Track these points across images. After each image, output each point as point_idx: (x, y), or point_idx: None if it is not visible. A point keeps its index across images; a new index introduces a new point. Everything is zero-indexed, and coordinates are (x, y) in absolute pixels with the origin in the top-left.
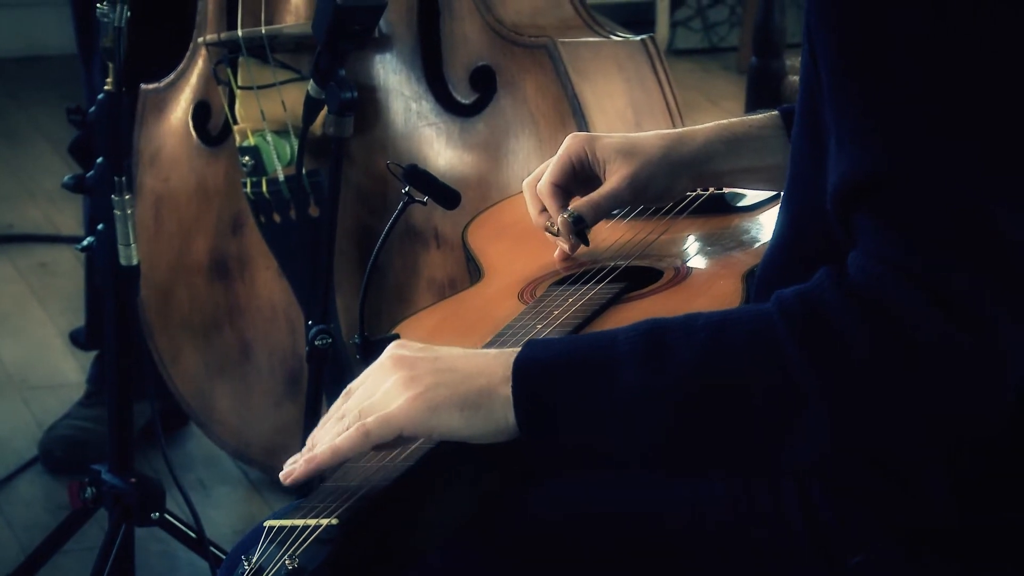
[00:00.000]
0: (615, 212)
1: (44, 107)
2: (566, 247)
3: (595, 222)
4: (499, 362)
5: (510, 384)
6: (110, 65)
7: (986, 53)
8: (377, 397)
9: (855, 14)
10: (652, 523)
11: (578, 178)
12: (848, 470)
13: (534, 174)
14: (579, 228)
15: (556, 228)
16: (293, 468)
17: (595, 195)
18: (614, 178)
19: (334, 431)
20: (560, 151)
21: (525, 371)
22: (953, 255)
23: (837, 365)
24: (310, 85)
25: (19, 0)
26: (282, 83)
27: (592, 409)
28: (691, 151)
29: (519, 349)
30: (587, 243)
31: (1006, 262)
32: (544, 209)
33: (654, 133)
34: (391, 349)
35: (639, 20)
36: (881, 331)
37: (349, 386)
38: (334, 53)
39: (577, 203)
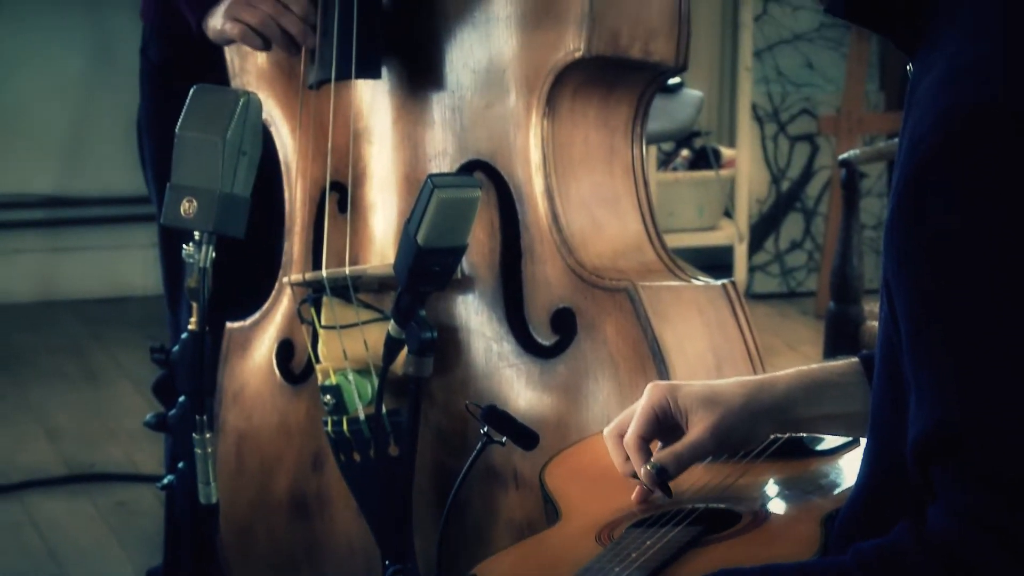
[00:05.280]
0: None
1: (127, 347)
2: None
3: (678, 473)
4: None
5: None
6: (194, 305)
7: None
8: None
9: (930, 265)
10: None
11: (661, 427)
12: None
13: (615, 423)
14: (662, 480)
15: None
16: None
17: (678, 446)
18: (696, 428)
19: None
20: (643, 401)
21: None
22: None
23: None
24: (391, 325)
25: (104, 243)
26: (365, 323)
27: None
28: (772, 399)
29: None
30: (670, 494)
31: None
32: (628, 459)
33: (735, 381)
34: None
35: (717, 265)
36: None
37: None
38: (415, 294)
39: (660, 454)
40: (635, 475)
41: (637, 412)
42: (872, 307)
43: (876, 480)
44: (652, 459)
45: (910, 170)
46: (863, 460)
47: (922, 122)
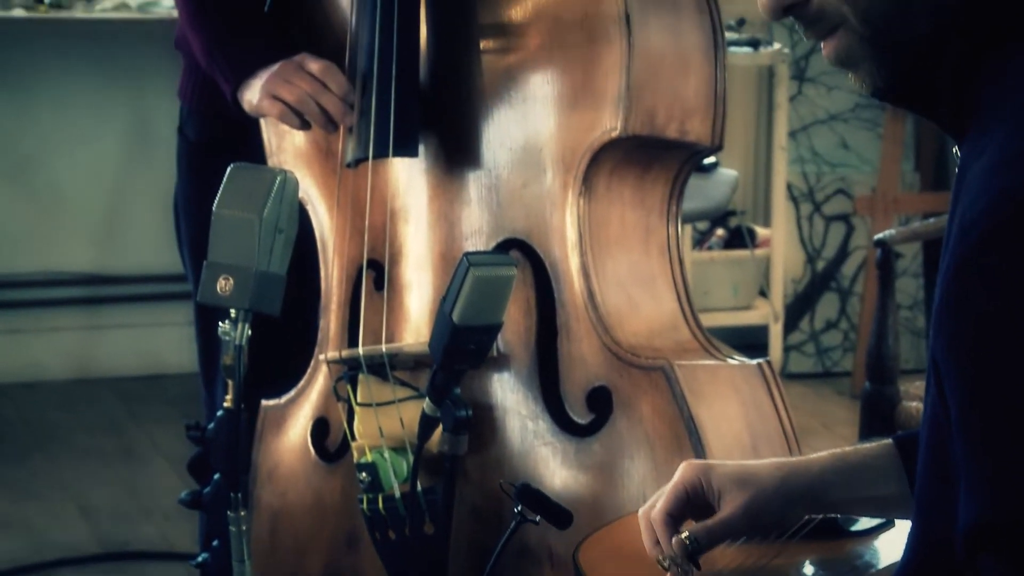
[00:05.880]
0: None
1: (162, 425)
2: None
3: (709, 547)
4: None
5: None
6: (230, 382)
7: None
8: None
9: (975, 350)
10: None
11: (692, 506)
12: None
13: (649, 503)
14: (693, 551)
15: (667, 561)
16: None
17: (711, 521)
18: (729, 507)
19: None
20: (675, 479)
21: None
22: None
23: None
24: (426, 403)
25: (141, 320)
26: (400, 400)
27: None
28: (806, 481)
29: None
30: (699, 567)
31: None
32: (657, 542)
33: (769, 462)
34: None
35: (753, 344)
36: None
37: None
38: (450, 372)
39: (692, 527)
40: (661, 563)
41: (667, 489)
42: (908, 387)
43: (921, 561)
44: (684, 531)
45: (961, 253)
46: (908, 541)
47: (973, 207)
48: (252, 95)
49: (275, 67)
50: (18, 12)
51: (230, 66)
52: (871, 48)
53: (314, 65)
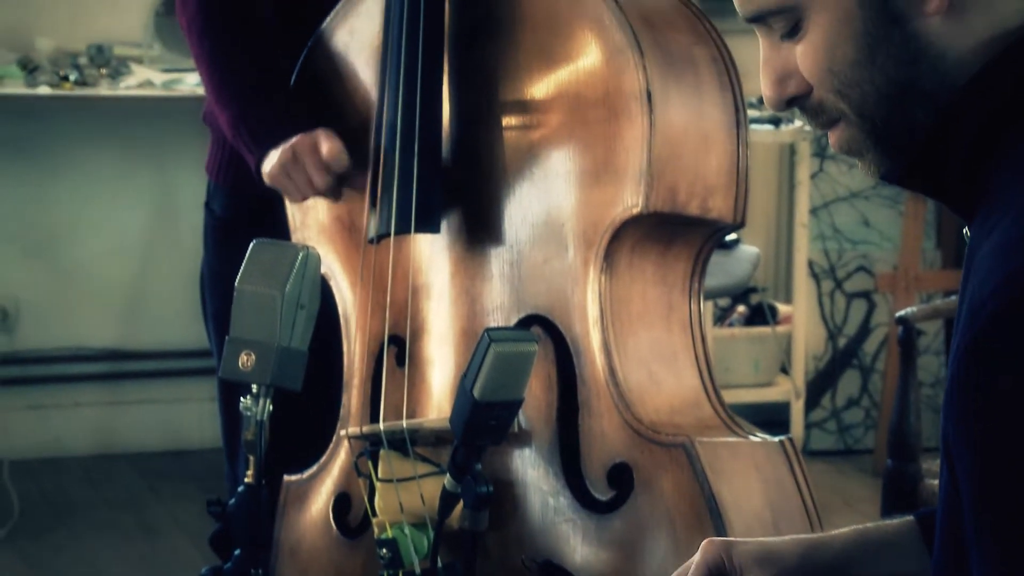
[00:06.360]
0: None
1: (184, 501)
2: None
3: None
4: None
5: None
6: (251, 458)
7: None
8: None
9: (984, 432)
10: None
11: None
12: None
13: None
14: None
15: None
16: None
17: None
18: None
19: None
20: (696, 557)
21: None
22: None
23: None
24: (447, 479)
25: (163, 396)
26: (421, 476)
27: None
28: (828, 558)
29: None
30: None
31: None
32: None
33: (791, 539)
34: None
35: (774, 421)
36: None
37: None
38: (470, 448)
39: None
40: None
41: (691, 569)
42: (930, 465)
43: None
44: None
45: (970, 335)
46: None
47: (982, 288)
48: (268, 167)
49: (293, 139)
50: (44, 89)
51: (254, 139)
52: (872, 139)
53: (324, 146)
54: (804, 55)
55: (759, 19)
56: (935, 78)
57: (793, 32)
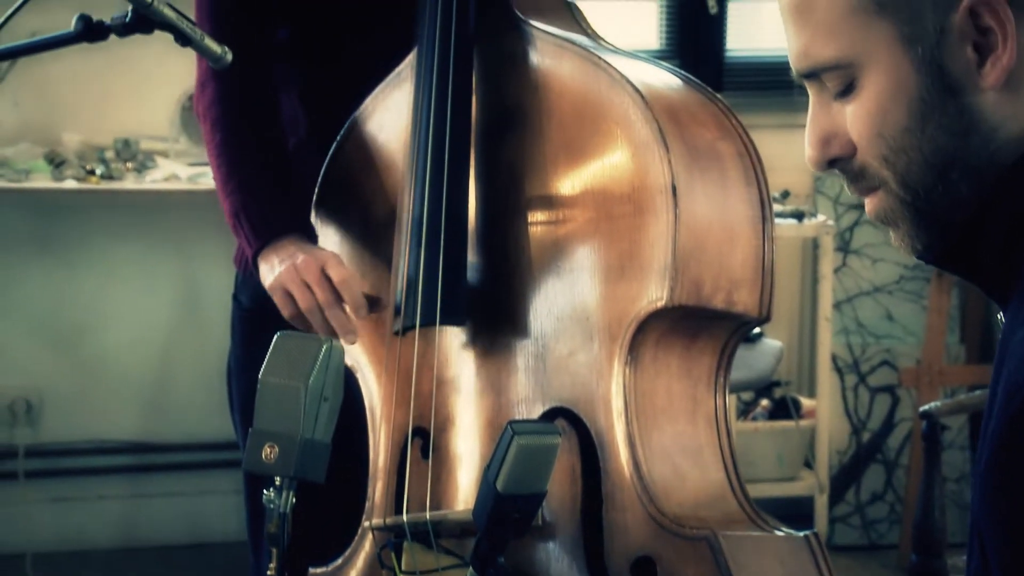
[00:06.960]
0: None
1: None
2: None
3: None
4: None
5: None
6: (274, 551)
7: None
8: None
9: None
10: None
11: None
12: None
13: None
14: None
15: None
16: None
17: None
18: None
19: None
20: None
21: None
22: None
23: None
24: (470, 571)
25: (188, 489)
26: (444, 568)
27: None
28: None
29: None
30: None
31: None
32: None
33: None
34: None
35: (798, 515)
36: None
37: None
38: (494, 540)
39: None
40: None
41: None
42: (955, 561)
43: None
44: None
45: (1004, 418)
46: None
47: (1018, 372)
48: (267, 274)
49: (299, 258)
50: (70, 183)
51: (253, 230)
52: (911, 211)
53: (335, 273)
54: (855, 116)
55: (813, 75)
56: (983, 154)
57: (847, 91)
